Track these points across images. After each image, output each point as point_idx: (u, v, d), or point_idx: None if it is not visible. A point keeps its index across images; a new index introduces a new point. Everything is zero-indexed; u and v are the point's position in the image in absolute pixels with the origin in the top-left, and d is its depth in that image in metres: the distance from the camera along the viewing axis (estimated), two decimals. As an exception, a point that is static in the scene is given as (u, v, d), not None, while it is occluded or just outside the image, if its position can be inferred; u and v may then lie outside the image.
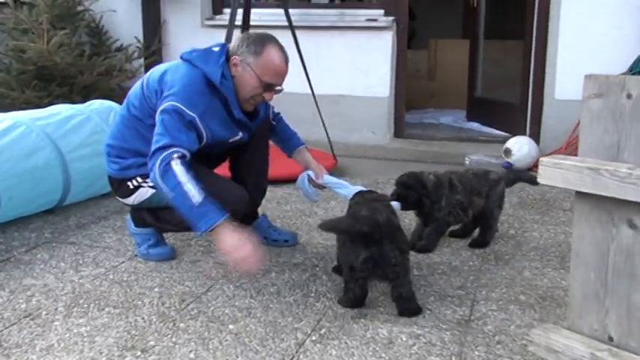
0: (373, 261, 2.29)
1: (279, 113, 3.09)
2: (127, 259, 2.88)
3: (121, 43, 5.85)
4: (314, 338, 2.18)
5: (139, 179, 2.74)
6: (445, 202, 2.94)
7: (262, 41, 2.63)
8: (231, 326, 2.26)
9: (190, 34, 5.85)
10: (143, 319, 2.32)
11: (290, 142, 3.06)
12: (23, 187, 3.16)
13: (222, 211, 2.36)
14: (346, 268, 2.39)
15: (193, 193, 2.34)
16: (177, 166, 2.40)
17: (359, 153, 5.14)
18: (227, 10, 5.58)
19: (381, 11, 5.51)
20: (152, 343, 2.15)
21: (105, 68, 5.36)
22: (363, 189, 2.76)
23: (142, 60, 5.76)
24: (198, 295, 2.51)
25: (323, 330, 2.24)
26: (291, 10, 4.43)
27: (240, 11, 4.28)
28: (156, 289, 2.57)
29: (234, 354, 2.07)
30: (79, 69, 5.22)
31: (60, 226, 3.32)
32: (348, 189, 2.84)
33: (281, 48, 2.67)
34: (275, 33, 5.55)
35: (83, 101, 4.19)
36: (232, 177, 3.00)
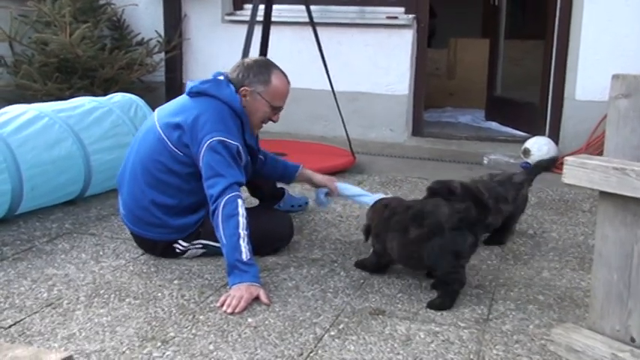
0: (475, 245, 2.42)
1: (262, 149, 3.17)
2: (146, 251, 2.91)
3: (142, 37, 5.88)
4: (332, 333, 2.19)
5: (184, 243, 2.79)
6: None
7: (267, 68, 2.78)
8: (250, 319, 2.27)
9: (210, 29, 5.87)
10: (163, 310, 2.34)
11: (288, 169, 3.21)
12: (45, 177, 3.20)
13: (257, 276, 2.47)
14: (448, 258, 2.38)
15: (244, 250, 2.45)
16: (241, 218, 2.49)
17: (377, 150, 5.13)
18: (248, 6, 5.58)
19: (402, 9, 5.49)
20: (172, 334, 2.16)
21: (126, 62, 5.38)
22: (384, 195, 2.89)
23: (162, 54, 5.79)
24: (218, 288, 2.53)
25: (341, 325, 2.25)
26: (311, 7, 4.43)
27: (261, 7, 4.29)
28: (175, 282, 2.59)
29: (253, 347, 2.09)
30: (100, 62, 5.25)
31: (81, 217, 3.35)
32: (369, 196, 2.99)
33: (282, 71, 2.82)
34: (295, 29, 5.59)
35: (104, 94, 4.23)
36: (249, 189, 3.23)
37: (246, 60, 2.85)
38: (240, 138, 2.70)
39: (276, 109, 2.82)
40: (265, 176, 3.18)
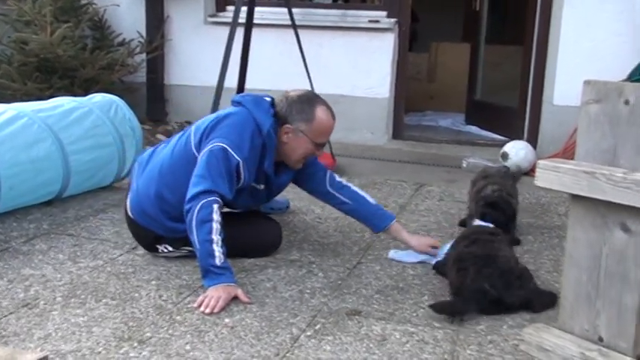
0: None
1: (347, 185, 2.97)
2: (124, 251, 2.90)
3: (123, 38, 5.85)
4: (309, 333, 2.21)
5: (170, 248, 2.79)
6: None
7: (311, 105, 2.72)
8: (227, 320, 2.28)
9: (193, 30, 5.87)
10: (140, 311, 2.34)
11: (377, 218, 2.91)
12: (23, 177, 3.18)
13: (232, 277, 2.47)
14: None
15: (218, 255, 2.43)
16: (215, 223, 2.45)
17: (357, 153, 5.16)
18: (230, 8, 5.59)
19: (384, 13, 5.53)
20: (149, 334, 2.17)
21: (107, 62, 5.36)
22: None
23: (144, 55, 5.77)
24: (195, 289, 2.53)
25: (318, 326, 2.26)
26: (293, 9, 4.45)
27: (243, 9, 4.30)
28: (153, 282, 2.59)
29: (230, 347, 2.10)
30: (81, 62, 5.22)
31: (58, 217, 3.34)
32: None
33: (327, 105, 2.77)
34: (278, 31, 5.59)
35: (84, 94, 4.21)
36: None
37: (291, 94, 2.78)
38: (255, 159, 2.67)
39: (319, 146, 2.79)
40: (347, 214, 3.03)
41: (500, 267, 2.40)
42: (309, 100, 2.76)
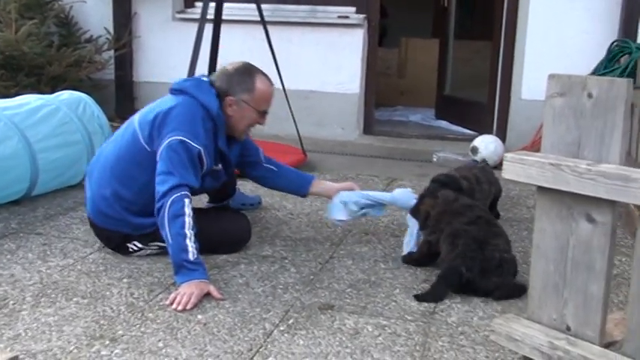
0: None
1: (271, 159, 3.19)
2: (95, 250, 2.88)
3: (90, 35, 5.78)
4: (282, 328, 2.22)
5: (139, 244, 2.78)
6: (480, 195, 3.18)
7: (250, 75, 2.78)
8: (199, 316, 2.28)
9: (161, 27, 5.82)
10: (112, 309, 2.32)
11: (301, 180, 3.15)
12: (-10, 176, 3.14)
13: (205, 274, 2.47)
14: None
15: (191, 250, 2.43)
16: (188, 217, 2.46)
17: (328, 148, 5.17)
18: (199, 4, 5.55)
19: (353, 9, 5.54)
20: (121, 332, 2.16)
21: (74, 59, 5.29)
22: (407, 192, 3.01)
23: (111, 52, 5.71)
24: (167, 286, 2.52)
25: (291, 320, 2.27)
26: (262, 5, 4.44)
27: (212, 5, 4.28)
28: (124, 280, 2.58)
29: (203, 343, 2.10)
30: (47, 59, 5.14)
31: (27, 216, 3.29)
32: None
33: (264, 74, 2.83)
34: (247, 28, 5.55)
35: (51, 92, 4.15)
36: None
37: (228, 68, 2.82)
38: (210, 142, 2.70)
39: (262, 114, 2.83)
40: (278, 188, 3.24)
41: (486, 254, 2.49)
42: (247, 70, 2.81)
